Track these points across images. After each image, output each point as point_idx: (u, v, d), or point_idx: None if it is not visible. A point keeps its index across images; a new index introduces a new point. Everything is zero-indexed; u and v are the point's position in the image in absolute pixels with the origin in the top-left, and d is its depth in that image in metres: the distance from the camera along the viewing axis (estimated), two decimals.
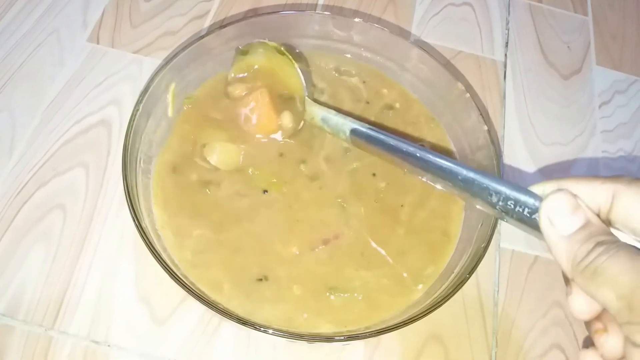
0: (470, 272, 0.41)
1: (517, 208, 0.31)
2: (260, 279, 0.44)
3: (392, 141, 0.42)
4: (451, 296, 0.40)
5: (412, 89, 0.56)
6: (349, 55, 0.57)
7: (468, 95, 0.50)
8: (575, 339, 0.48)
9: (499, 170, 0.46)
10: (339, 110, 0.47)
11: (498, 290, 0.50)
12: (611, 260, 0.26)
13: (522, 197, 0.31)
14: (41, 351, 0.42)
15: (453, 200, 0.50)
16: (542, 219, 0.30)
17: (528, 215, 0.31)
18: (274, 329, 0.38)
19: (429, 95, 0.54)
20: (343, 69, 0.57)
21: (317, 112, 0.48)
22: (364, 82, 0.56)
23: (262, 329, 0.38)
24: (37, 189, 0.49)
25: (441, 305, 0.40)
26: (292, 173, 0.49)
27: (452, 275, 0.43)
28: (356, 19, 0.54)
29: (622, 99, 0.66)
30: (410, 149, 0.40)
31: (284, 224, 0.47)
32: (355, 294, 0.44)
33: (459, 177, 0.35)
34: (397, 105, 0.55)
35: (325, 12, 0.61)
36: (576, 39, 0.70)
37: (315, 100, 0.50)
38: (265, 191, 0.48)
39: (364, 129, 0.44)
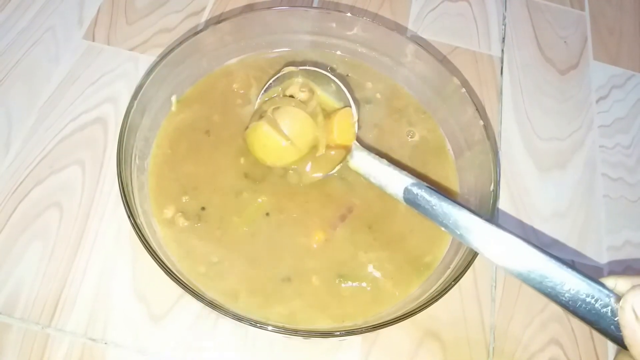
0: (467, 267, 0.41)
1: (588, 299, 0.32)
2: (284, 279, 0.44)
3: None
4: (448, 290, 0.40)
5: (408, 84, 0.55)
6: (341, 52, 0.57)
7: (464, 90, 0.50)
8: (573, 334, 0.48)
9: (495, 165, 0.46)
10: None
11: (495, 286, 0.50)
12: None
13: (595, 289, 0.32)
14: (38, 349, 0.42)
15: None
16: (626, 311, 0.29)
17: (599, 307, 0.31)
18: (271, 326, 0.38)
19: (425, 91, 0.54)
20: (325, 64, 0.56)
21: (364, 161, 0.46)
22: (347, 75, 0.56)
23: (258, 325, 0.38)
24: (33, 187, 0.49)
25: (438, 299, 0.40)
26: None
27: (449, 270, 0.43)
28: (351, 15, 0.54)
29: (619, 93, 0.66)
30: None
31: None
32: (364, 284, 0.45)
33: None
34: (378, 95, 0.55)
35: (321, 8, 0.61)
36: (573, 34, 0.70)
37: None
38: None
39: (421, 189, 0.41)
